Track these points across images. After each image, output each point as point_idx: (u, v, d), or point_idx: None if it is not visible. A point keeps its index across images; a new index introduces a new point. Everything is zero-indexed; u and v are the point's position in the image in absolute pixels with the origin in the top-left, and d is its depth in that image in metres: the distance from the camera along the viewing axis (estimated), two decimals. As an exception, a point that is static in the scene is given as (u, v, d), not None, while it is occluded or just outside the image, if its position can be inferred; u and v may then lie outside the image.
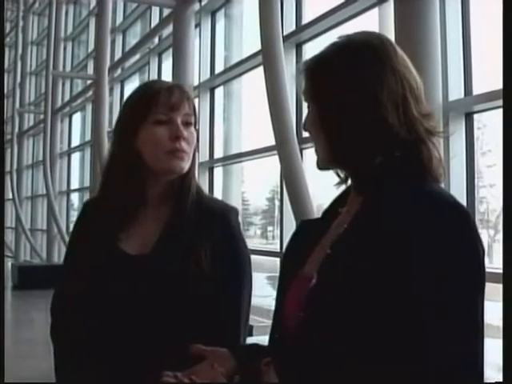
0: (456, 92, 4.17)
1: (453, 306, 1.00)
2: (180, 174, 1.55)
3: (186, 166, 1.54)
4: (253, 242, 10.12)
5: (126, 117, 1.58)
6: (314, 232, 1.26)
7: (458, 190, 4.05)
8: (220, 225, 1.54)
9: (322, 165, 1.22)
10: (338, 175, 1.26)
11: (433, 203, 1.05)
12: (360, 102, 1.12)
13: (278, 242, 7.26)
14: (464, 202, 4.08)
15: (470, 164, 4.16)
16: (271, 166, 6.69)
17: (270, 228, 9.91)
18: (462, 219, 1.04)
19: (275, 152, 5.75)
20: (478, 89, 4.19)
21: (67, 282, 1.61)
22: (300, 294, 1.14)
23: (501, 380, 1.10)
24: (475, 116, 4.24)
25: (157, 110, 1.52)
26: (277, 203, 7.99)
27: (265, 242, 10.00)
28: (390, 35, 4.34)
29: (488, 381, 1.07)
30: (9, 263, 15.46)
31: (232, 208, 1.61)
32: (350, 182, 1.25)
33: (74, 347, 1.54)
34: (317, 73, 1.18)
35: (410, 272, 1.00)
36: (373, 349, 1.01)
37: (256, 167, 8.22)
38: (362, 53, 1.15)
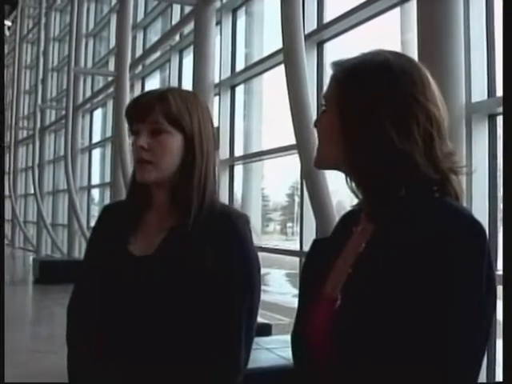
0: (479, 93, 4.13)
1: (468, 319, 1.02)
2: (149, 182, 1.59)
3: (150, 175, 1.56)
4: (272, 237, 10.13)
5: None
6: (329, 251, 1.26)
7: (480, 190, 4.02)
8: (227, 232, 1.54)
9: (325, 167, 1.23)
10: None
11: (450, 221, 1.06)
12: (394, 132, 1.11)
13: (297, 238, 7.23)
14: (486, 201, 4.06)
15: (492, 165, 4.13)
16: (291, 162, 6.69)
17: (289, 224, 9.92)
18: (476, 240, 1.05)
19: (295, 151, 5.75)
20: (501, 90, 4.15)
21: (81, 284, 1.68)
22: (325, 316, 1.14)
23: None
24: (499, 117, 4.20)
25: (129, 121, 1.61)
26: (296, 199, 7.99)
27: (284, 239, 10.01)
28: (413, 35, 4.32)
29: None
30: (30, 257, 15.63)
31: (242, 215, 1.60)
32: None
33: (82, 347, 1.60)
34: (354, 85, 1.16)
35: (427, 286, 1.02)
36: (405, 360, 1.02)
37: (276, 163, 8.22)
38: (403, 85, 1.14)
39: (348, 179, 1.20)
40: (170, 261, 1.52)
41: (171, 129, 1.55)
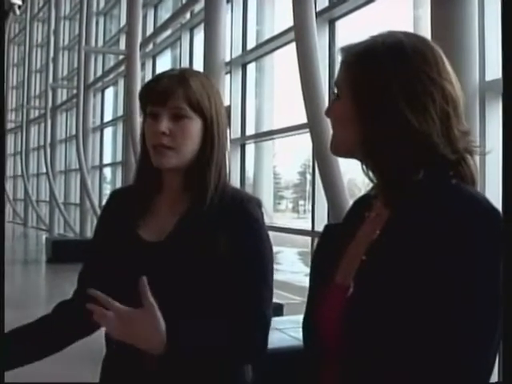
0: (493, 71, 4.06)
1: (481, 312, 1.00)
2: (168, 168, 1.54)
3: (170, 161, 1.52)
4: (285, 215, 10.13)
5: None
6: (340, 237, 1.24)
7: (493, 168, 3.98)
8: (240, 216, 1.52)
9: (341, 154, 1.20)
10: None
11: (467, 209, 1.04)
12: (408, 111, 1.09)
13: (309, 216, 7.20)
14: (500, 183, 4.02)
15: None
16: (303, 140, 6.66)
17: (301, 202, 9.93)
18: (493, 227, 1.03)
19: (306, 130, 5.72)
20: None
21: (88, 267, 1.68)
22: (337, 304, 1.12)
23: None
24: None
25: (145, 104, 1.56)
26: (308, 177, 7.97)
27: (296, 216, 10.02)
28: (426, 12, 4.25)
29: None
30: (43, 237, 15.75)
31: (254, 199, 1.59)
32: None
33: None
34: (365, 67, 1.13)
35: (442, 274, 1.01)
36: (417, 347, 1.01)
37: (288, 141, 8.20)
38: (415, 64, 1.11)
39: (364, 166, 1.17)
40: (184, 247, 1.50)
41: (192, 114, 1.52)
